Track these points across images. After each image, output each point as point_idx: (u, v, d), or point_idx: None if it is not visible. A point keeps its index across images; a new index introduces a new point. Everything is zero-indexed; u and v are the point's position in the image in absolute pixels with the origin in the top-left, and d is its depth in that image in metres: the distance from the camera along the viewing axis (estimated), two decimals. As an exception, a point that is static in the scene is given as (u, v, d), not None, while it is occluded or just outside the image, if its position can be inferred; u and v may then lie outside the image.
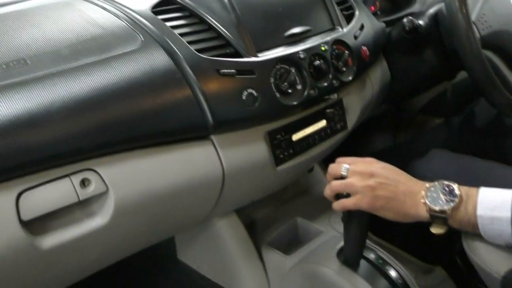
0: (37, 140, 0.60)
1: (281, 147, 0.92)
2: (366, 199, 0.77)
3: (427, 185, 0.75)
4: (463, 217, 0.71)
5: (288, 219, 1.23)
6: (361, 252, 0.95)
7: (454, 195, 0.72)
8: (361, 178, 0.78)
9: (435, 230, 0.74)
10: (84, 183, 0.67)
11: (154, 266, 1.37)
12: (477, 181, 0.77)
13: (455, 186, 0.73)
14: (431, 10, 1.14)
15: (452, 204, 0.71)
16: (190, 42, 0.78)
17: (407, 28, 1.10)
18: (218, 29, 0.83)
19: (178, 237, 1.35)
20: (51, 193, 0.64)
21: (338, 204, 0.81)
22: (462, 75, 1.27)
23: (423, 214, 0.74)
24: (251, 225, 1.23)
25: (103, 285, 1.31)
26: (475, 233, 0.72)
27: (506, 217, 0.66)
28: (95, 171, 0.68)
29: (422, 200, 0.74)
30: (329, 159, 1.00)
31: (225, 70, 0.78)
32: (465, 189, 0.73)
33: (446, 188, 0.73)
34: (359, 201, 0.78)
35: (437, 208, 0.72)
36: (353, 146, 1.31)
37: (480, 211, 0.69)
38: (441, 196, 0.73)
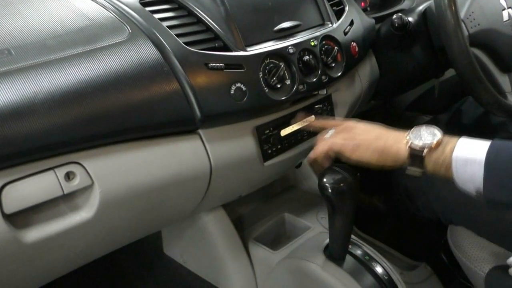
0: (20, 132, 0.59)
1: (269, 142, 0.91)
2: (348, 142, 0.80)
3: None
4: (438, 157, 0.71)
5: (275, 214, 1.23)
6: (346, 247, 0.95)
7: (435, 134, 0.73)
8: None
9: (411, 171, 0.75)
10: (69, 176, 0.66)
11: (140, 261, 1.36)
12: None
13: (437, 131, 0.74)
14: (421, 7, 1.14)
15: (435, 139, 0.72)
16: (178, 35, 0.77)
17: (396, 24, 1.10)
18: (207, 23, 0.82)
19: (165, 231, 1.35)
20: (35, 186, 0.63)
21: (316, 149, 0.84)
22: (450, 72, 1.27)
23: (403, 152, 0.74)
24: (238, 220, 1.22)
25: (88, 279, 1.30)
26: (447, 177, 0.72)
27: (480, 160, 0.67)
28: (80, 164, 0.67)
29: (405, 139, 0.75)
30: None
31: (214, 64, 0.77)
32: (447, 136, 0.74)
33: (430, 129, 0.75)
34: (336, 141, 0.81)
35: (417, 142, 0.73)
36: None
37: (456, 152, 0.70)
38: (423, 133, 0.74)
